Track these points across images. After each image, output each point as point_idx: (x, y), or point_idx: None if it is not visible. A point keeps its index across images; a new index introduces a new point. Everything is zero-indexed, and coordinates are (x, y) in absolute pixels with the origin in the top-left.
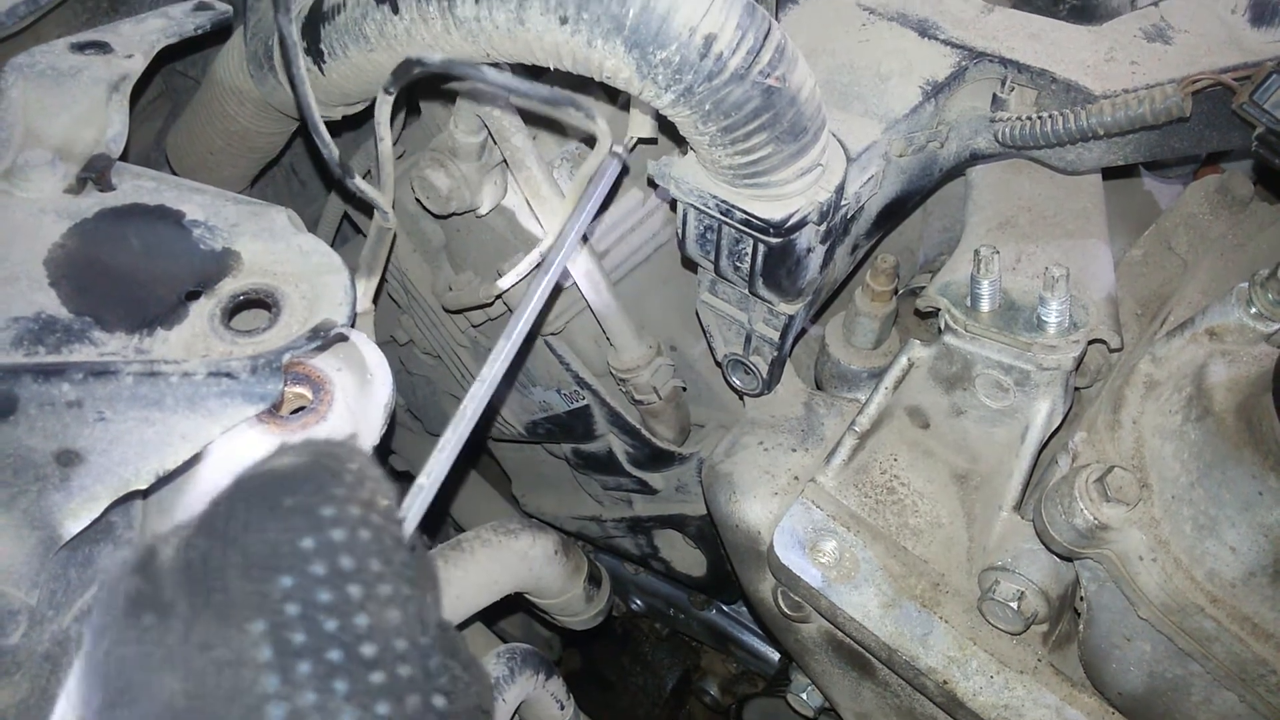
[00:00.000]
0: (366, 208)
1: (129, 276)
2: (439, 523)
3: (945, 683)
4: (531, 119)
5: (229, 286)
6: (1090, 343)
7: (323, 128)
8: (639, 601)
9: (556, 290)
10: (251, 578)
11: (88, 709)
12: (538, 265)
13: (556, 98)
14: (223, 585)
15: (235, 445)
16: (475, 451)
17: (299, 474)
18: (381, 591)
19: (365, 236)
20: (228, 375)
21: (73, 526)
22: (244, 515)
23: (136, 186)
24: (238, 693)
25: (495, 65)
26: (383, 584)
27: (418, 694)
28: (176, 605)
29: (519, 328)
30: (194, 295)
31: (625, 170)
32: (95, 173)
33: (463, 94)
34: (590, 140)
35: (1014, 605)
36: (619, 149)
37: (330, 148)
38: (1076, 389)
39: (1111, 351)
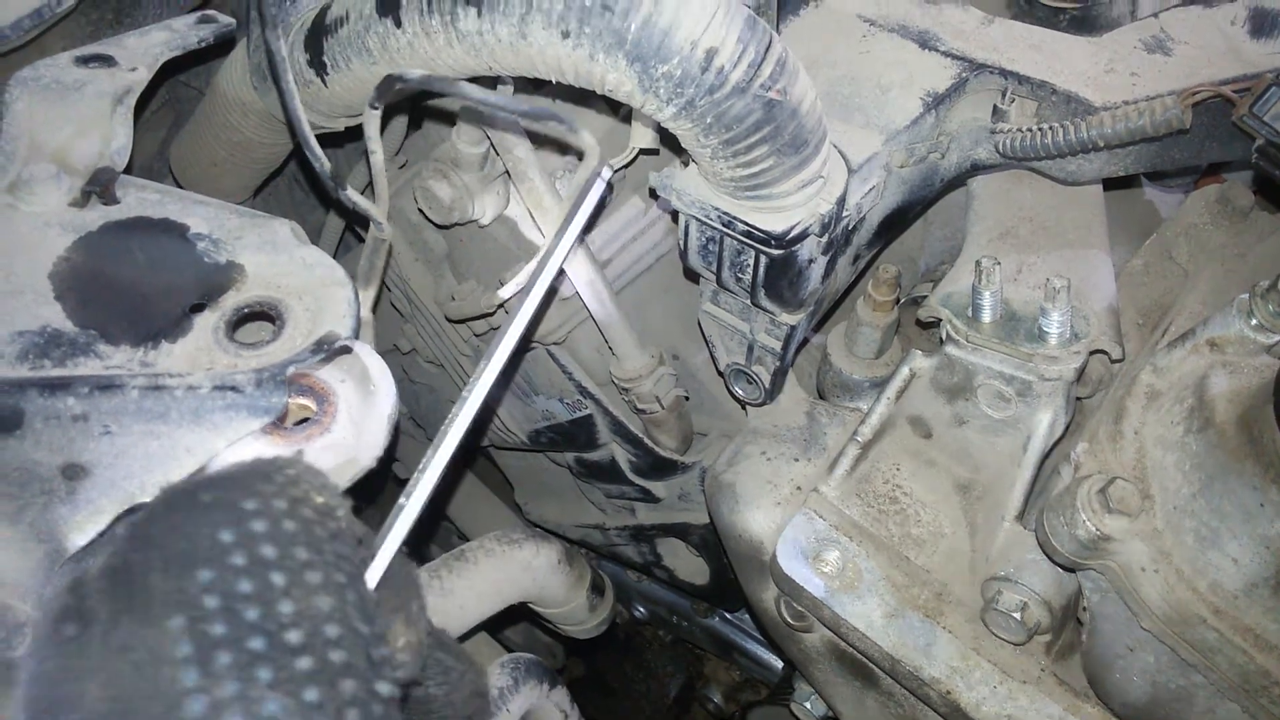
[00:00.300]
0: (362, 220)
1: (133, 289)
2: (428, 538)
3: (949, 693)
4: (534, 133)
5: (233, 299)
6: (1092, 353)
7: (314, 141)
8: (642, 609)
9: (548, 300)
10: (170, 575)
11: None
12: (536, 276)
13: (538, 113)
14: (143, 587)
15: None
16: (466, 461)
17: (225, 475)
18: (309, 579)
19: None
20: (232, 389)
21: (78, 539)
22: (165, 517)
23: (141, 199)
24: (157, 691)
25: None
26: (310, 571)
27: (354, 679)
28: (98, 613)
29: (499, 351)
30: (198, 308)
31: (611, 188)
32: (100, 186)
33: (464, 108)
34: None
35: (1017, 615)
36: (609, 167)
37: (322, 161)
38: (1078, 399)
39: (1113, 362)
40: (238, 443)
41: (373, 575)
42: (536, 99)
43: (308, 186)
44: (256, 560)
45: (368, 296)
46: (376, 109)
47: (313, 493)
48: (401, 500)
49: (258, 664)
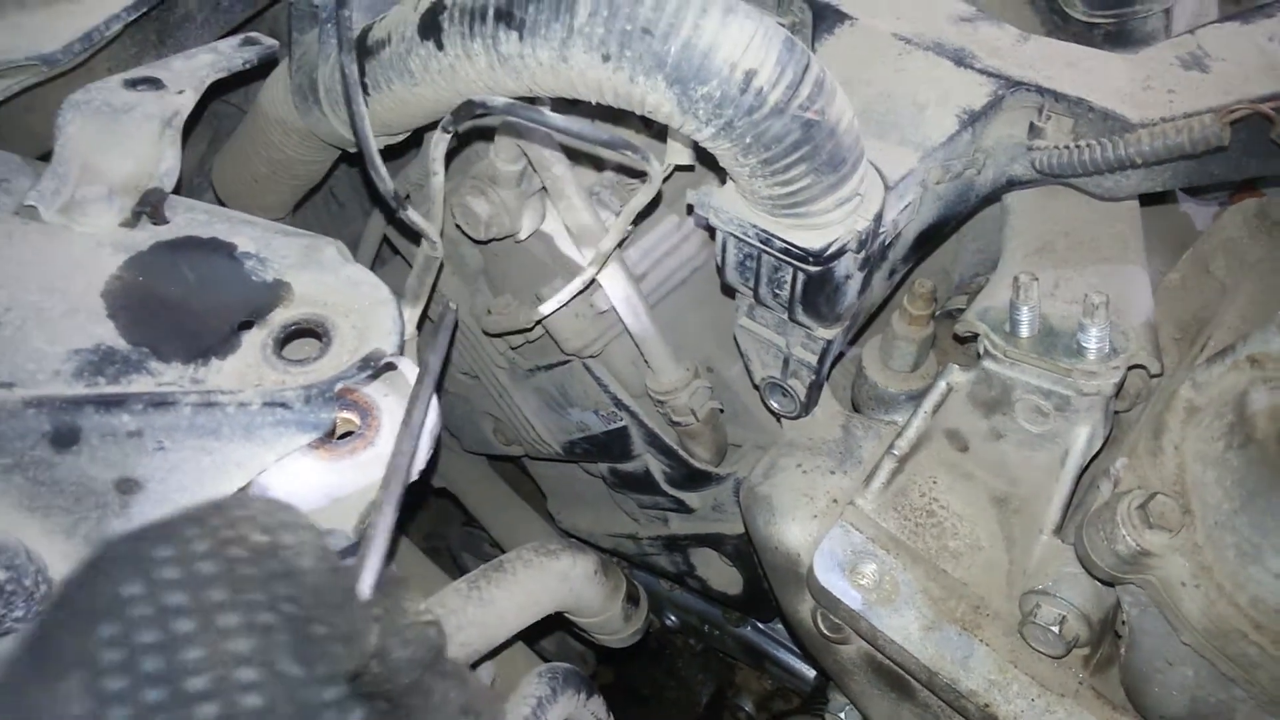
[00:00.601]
0: (409, 232)
1: (184, 307)
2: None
3: (986, 706)
4: (569, 148)
5: (280, 317)
6: (1130, 368)
7: (380, 162)
8: (673, 617)
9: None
10: (74, 633)
11: None
12: (579, 291)
13: (614, 142)
14: (53, 650)
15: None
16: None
17: (155, 524)
18: (223, 622)
19: (403, 259)
20: (282, 405)
21: None
22: (81, 576)
23: (189, 219)
24: None
25: (534, 100)
26: (226, 614)
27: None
28: (11, 683)
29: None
30: (246, 325)
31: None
32: (149, 206)
33: (502, 126)
34: (629, 170)
35: (1055, 629)
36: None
37: (386, 181)
38: (1116, 413)
39: (1151, 377)
40: (285, 457)
41: (364, 588)
42: (614, 128)
43: (343, 200)
44: (161, 609)
45: (415, 313)
46: (449, 132)
47: (253, 532)
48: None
49: (154, 715)
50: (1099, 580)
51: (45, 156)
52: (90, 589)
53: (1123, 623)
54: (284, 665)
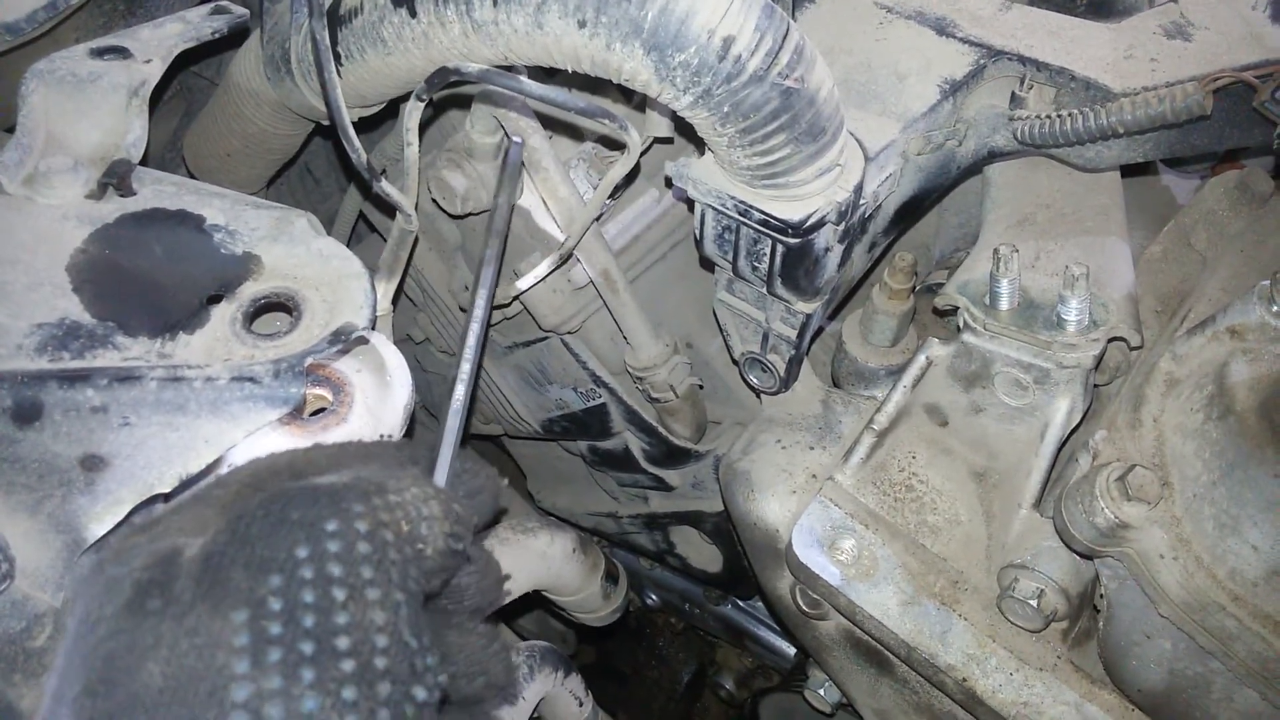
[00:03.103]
0: (386, 207)
1: (151, 281)
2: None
3: (964, 680)
4: (547, 120)
5: (250, 290)
6: (1110, 341)
7: (353, 132)
8: (654, 596)
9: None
10: (248, 573)
11: (59, 701)
12: (557, 266)
13: (591, 110)
14: (224, 578)
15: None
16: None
17: (326, 491)
18: (369, 595)
19: (379, 235)
20: (250, 380)
21: (97, 530)
22: (261, 520)
23: (157, 191)
24: (209, 671)
25: (509, 68)
26: (371, 589)
27: (392, 683)
28: (182, 595)
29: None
30: (215, 299)
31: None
32: (116, 178)
33: (479, 96)
34: (608, 141)
35: (1033, 603)
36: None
37: (360, 152)
38: (1096, 386)
39: (1132, 349)
40: (255, 433)
41: (439, 477)
42: (592, 97)
43: (319, 175)
44: (322, 575)
45: (390, 288)
46: (423, 100)
47: (403, 520)
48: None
49: (304, 664)
50: (1077, 553)
51: (11, 129)
52: (265, 538)
53: (1101, 596)
54: (406, 636)
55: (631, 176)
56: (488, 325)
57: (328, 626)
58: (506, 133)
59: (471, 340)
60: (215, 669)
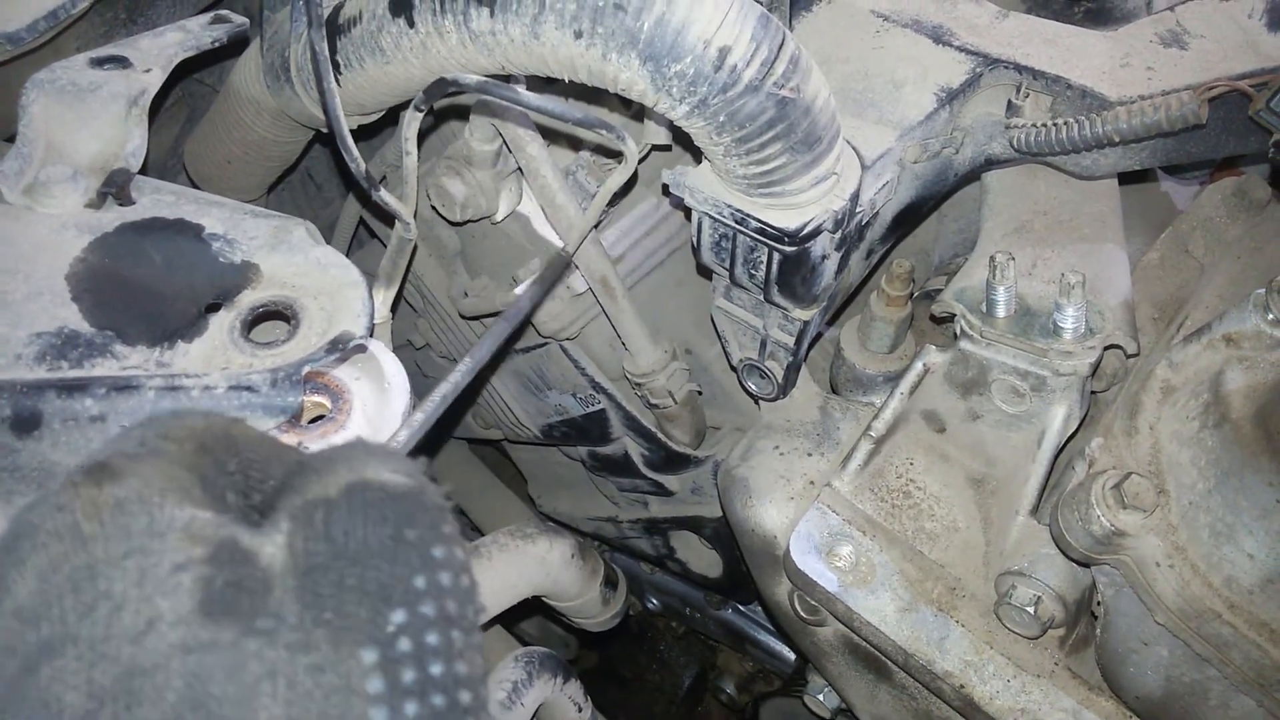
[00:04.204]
0: (385, 215)
1: (149, 290)
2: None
3: (962, 686)
4: (545, 128)
5: (248, 299)
6: (1107, 348)
7: (351, 141)
8: (655, 600)
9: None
10: (367, 602)
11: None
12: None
13: (588, 120)
14: (339, 603)
15: None
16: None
17: (413, 500)
18: (473, 640)
19: (380, 242)
20: (248, 388)
21: None
22: (363, 532)
23: (156, 200)
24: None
25: (507, 77)
26: (474, 635)
27: None
28: (285, 613)
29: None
30: (214, 308)
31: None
32: (115, 187)
33: (476, 106)
34: (605, 151)
35: (1031, 609)
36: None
37: (358, 161)
38: (1093, 393)
39: (1128, 357)
40: None
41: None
42: (590, 107)
43: (320, 181)
44: (443, 615)
45: (389, 295)
46: (421, 110)
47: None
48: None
49: None
50: (1074, 561)
51: (12, 139)
52: (378, 559)
53: (1098, 603)
54: (482, 690)
55: (630, 184)
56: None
57: (452, 676)
58: (505, 141)
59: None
60: (349, 717)
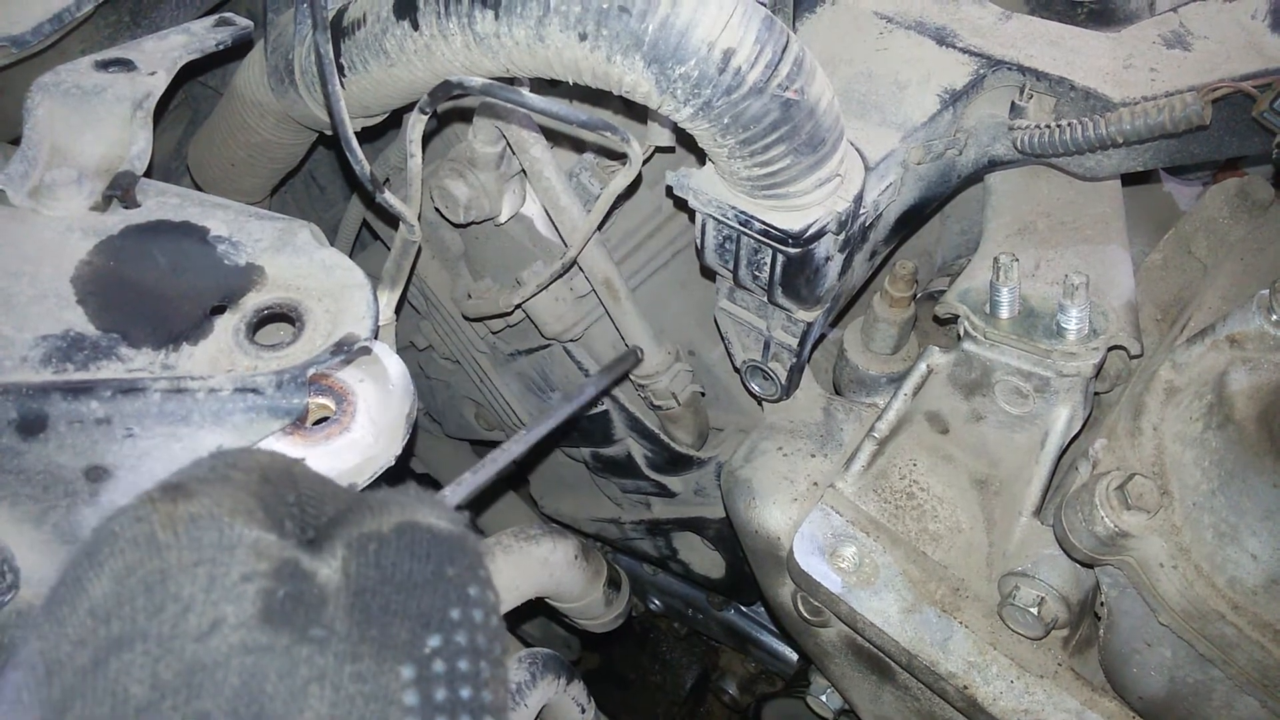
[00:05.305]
0: (389, 217)
1: (154, 293)
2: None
3: (965, 687)
4: (549, 130)
5: (253, 301)
6: (1110, 349)
7: (355, 144)
8: (657, 601)
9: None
10: (407, 626)
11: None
12: (559, 274)
13: (592, 122)
14: (384, 624)
15: None
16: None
17: (455, 543)
18: (500, 674)
19: (383, 244)
20: (253, 391)
21: None
22: (409, 565)
23: (161, 203)
24: None
25: (511, 80)
26: (500, 669)
27: None
28: (336, 626)
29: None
30: (219, 310)
31: (639, 180)
32: (120, 190)
33: (480, 108)
34: (609, 152)
35: (1034, 610)
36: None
37: (363, 164)
38: (1096, 394)
39: (1132, 358)
40: (258, 444)
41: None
42: (594, 109)
43: (324, 183)
44: (474, 646)
45: (393, 297)
46: (426, 113)
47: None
48: None
49: None
50: (1078, 562)
51: (17, 142)
52: (420, 590)
53: (1101, 604)
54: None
55: (633, 185)
56: None
57: (479, 702)
58: (509, 143)
59: None
60: None
